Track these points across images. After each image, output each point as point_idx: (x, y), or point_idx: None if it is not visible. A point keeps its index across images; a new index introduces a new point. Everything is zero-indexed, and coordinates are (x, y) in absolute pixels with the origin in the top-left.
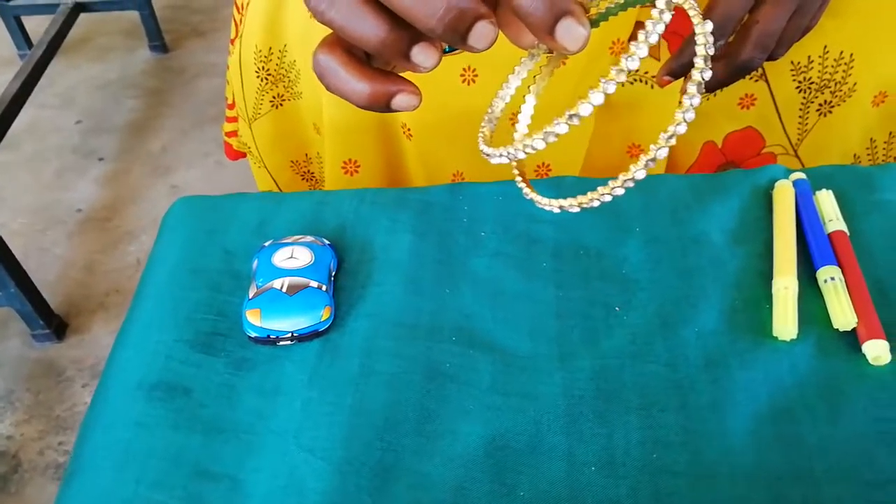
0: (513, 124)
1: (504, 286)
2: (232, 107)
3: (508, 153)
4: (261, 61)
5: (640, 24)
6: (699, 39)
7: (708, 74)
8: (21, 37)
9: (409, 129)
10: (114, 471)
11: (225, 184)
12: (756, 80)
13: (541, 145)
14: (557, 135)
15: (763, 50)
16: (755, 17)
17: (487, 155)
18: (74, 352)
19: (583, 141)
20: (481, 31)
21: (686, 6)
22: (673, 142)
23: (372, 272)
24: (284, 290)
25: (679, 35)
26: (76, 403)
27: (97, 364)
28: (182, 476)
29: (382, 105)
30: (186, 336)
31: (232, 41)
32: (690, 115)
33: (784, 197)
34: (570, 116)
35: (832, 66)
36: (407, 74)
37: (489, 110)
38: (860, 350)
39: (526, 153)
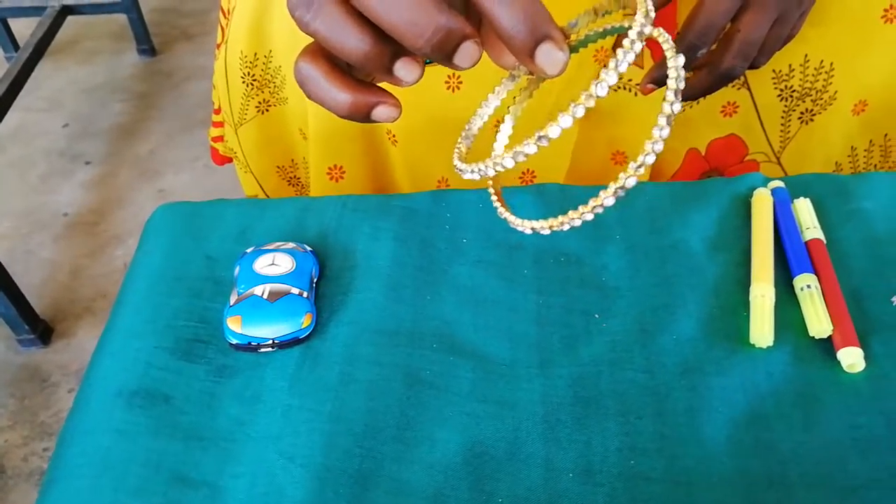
0: (492, 143)
1: (485, 293)
2: (218, 112)
3: (479, 169)
4: (246, 66)
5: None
6: (671, 73)
7: (678, 107)
8: (7, 39)
9: (394, 136)
10: (93, 478)
11: (213, 188)
12: (738, 88)
13: (510, 164)
14: (527, 154)
15: (745, 58)
16: (737, 25)
17: (460, 170)
18: (60, 357)
19: (567, 148)
20: (467, 51)
21: (659, 38)
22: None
23: (354, 279)
24: (265, 296)
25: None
26: (61, 409)
27: (83, 369)
28: (161, 483)
29: (362, 116)
30: (167, 343)
31: (218, 46)
32: (659, 147)
33: (762, 205)
34: (539, 138)
35: (813, 75)
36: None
37: (466, 127)
38: (835, 357)
39: (496, 171)
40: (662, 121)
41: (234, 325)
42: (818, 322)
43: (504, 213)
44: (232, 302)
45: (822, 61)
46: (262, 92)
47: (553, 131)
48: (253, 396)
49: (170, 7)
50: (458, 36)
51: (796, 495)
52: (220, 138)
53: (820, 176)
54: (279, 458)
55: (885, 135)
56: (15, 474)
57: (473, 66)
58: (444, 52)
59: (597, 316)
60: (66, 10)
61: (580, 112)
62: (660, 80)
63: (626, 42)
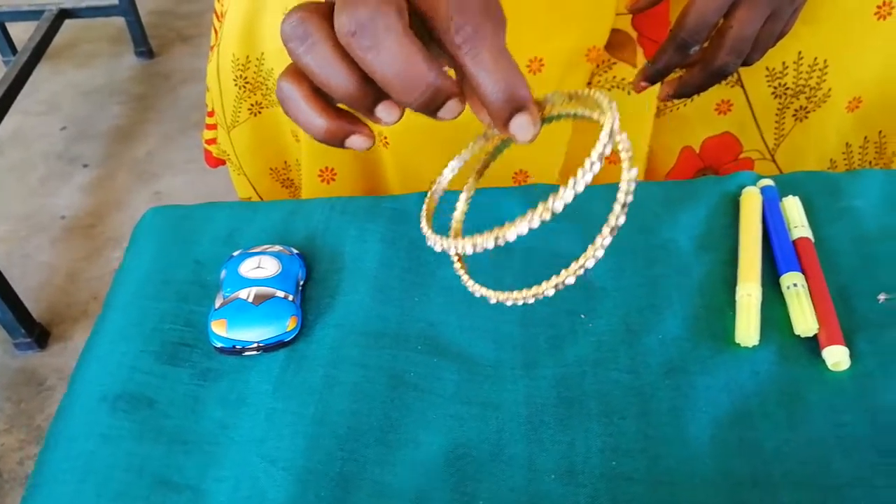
0: (479, 172)
1: (471, 294)
2: (212, 114)
3: (441, 245)
4: (238, 69)
5: (615, 32)
6: (622, 186)
7: (622, 220)
8: (5, 43)
9: (385, 138)
10: (76, 483)
11: (209, 190)
12: (732, 86)
13: (469, 250)
14: (486, 247)
15: (738, 55)
16: (729, 21)
17: (424, 234)
18: (56, 360)
19: (560, 147)
20: (451, 107)
21: (621, 149)
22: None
23: (341, 281)
24: (250, 300)
25: (654, 41)
26: None
27: None
28: (144, 487)
29: (337, 142)
30: (152, 347)
31: (212, 48)
32: (600, 254)
33: (751, 203)
34: (497, 237)
35: (806, 72)
36: None
37: (438, 180)
38: (821, 356)
39: (453, 254)
40: (606, 231)
41: (219, 329)
42: (804, 321)
43: (467, 280)
44: (217, 305)
45: (815, 58)
46: (255, 94)
47: (510, 234)
48: (237, 400)
49: (167, 9)
50: (445, 95)
51: (780, 495)
52: (213, 140)
53: (810, 174)
54: (262, 461)
55: (880, 131)
56: (11, 478)
57: (455, 118)
58: (430, 108)
59: (582, 316)
60: (64, 14)
61: (536, 223)
62: (652, 77)
63: (586, 162)
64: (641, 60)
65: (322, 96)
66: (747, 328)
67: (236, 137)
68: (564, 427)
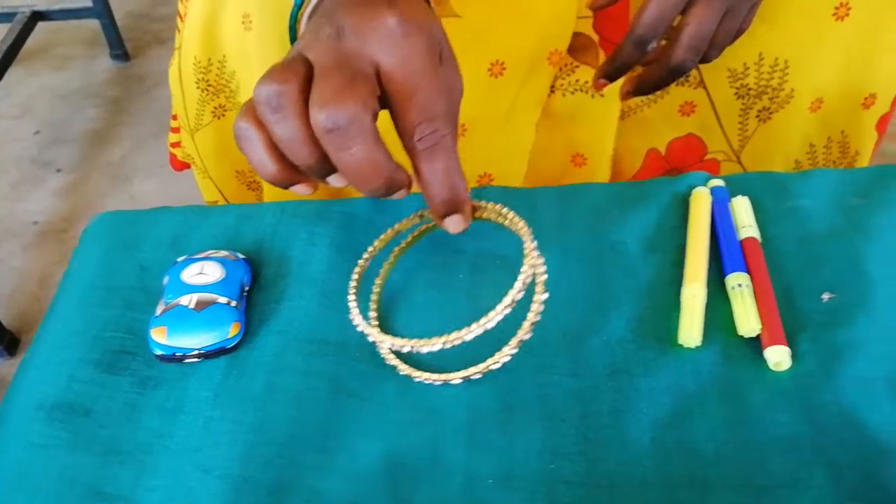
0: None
1: (418, 299)
2: (175, 117)
3: (369, 335)
4: (200, 72)
5: (577, 35)
6: (532, 307)
7: (528, 336)
8: None
9: None
10: (7, 493)
11: (184, 193)
12: (695, 88)
13: (406, 349)
14: (401, 350)
15: (695, 52)
16: (686, 18)
17: (350, 317)
18: None
19: (524, 152)
20: (401, 193)
21: (537, 273)
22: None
23: (287, 287)
24: (192, 306)
25: (615, 44)
26: None
27: None
28: (75, 498)
29: (283, 187)
30: (93, 355)
31: (176, 51)
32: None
33: (700, 204)
34: (413, 347)
35: (768, 73)
36: None
37: (370, 248)
38: (763, 356)
39: (385, 349)
40: (513, 341)
41: (159, 336)
42: (747, 321)
43: (404, 369)
44: (158, 312)
45: (776, 59)
46: (218, 97)
47: (424, 348)
48: (175, 408)
49: (142, 12)
50: (398, 187)
51: (714, 496)
52: (178, 144)
53: (760, 174)
54: (196, 470)
55: (842, 131)
56: None
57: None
58: (381, 196)
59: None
60: (37, 16)
61: (448, 346)
62: (611, 74)
63: (499, 306)
64: (602, 59)
65: (275, 146)
66: (690, 329)
67: (200, 140)
68: (504, 432)
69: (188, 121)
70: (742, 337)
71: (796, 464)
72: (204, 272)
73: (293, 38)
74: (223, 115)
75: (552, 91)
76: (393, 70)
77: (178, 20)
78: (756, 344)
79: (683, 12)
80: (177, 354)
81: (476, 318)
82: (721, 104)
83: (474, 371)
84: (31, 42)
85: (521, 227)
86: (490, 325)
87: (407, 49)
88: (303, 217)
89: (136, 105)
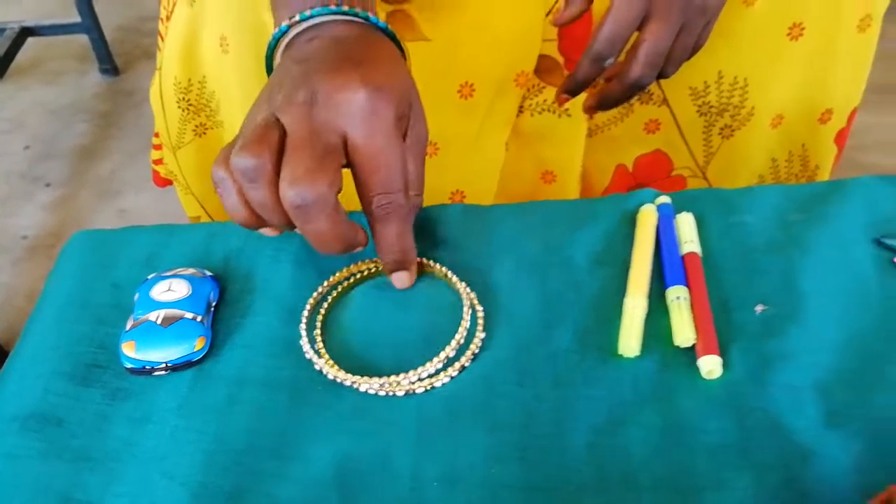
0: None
1: (377, 314)
2: (157, 135)
3: (330, 374)
4: (181, 92)
5: (543, 58)
6: (460, 330)
7: (452, 352)
8: None
9: None
10: None
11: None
12: (659, 106)
13: (347, 382)
14: (353, 386)
15: (652, 67)
16: (642, 35)
17: (305, 349)
18: None
19: (494, 170)
20: (356, 249)
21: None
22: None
23: (252, 302)
24: (159, 322)
25: (574, 60)
26: None
27: None
28: (48, 502)
29: (251, 228)
30: (66, 368)
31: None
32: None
33: (646, 220)
34: (358, 384)
35: (728, 91)
36: None
37: (320, 287)
38: (697, 365)
39: (344, 380)
40: (457, 365)
41: (129, 350)
42: (682, 332)
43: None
44: (128, 327)
45: (735, 77)
46: (199, 116)
47: (372, 386)
48: (143, 418)
49: (131, 26)
50: (355, 246)
51: (645, 497)
52: (160, 161)
53: (707, 190)
54: (161, 477)
55: (803, 145)
56: None
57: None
58: (339, 253)
59: (481, 333)
60: (27, 32)
61: (397, 392)
62: (572, 90)
63: (434, 359)
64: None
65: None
66: (628, 340)
67: (182, 158)
68: (449, 439)
69: (170, 139)
70: (679, 347)
71: (722, 467)
72: (172, 289)
73: (269, 68)
74: (204, 134)
75: (521, 111)
76: (358, 144)
77: (160, 40)
78: (692, 353)
79: (639, 29)
80: (146, 367)
81: (421, 354)
82: (684, 122)
83: (419, 385)
84: (20, 57)
85: (460, 289)
86: (424, 374)
87: (372, 125)
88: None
89: (125, 119)
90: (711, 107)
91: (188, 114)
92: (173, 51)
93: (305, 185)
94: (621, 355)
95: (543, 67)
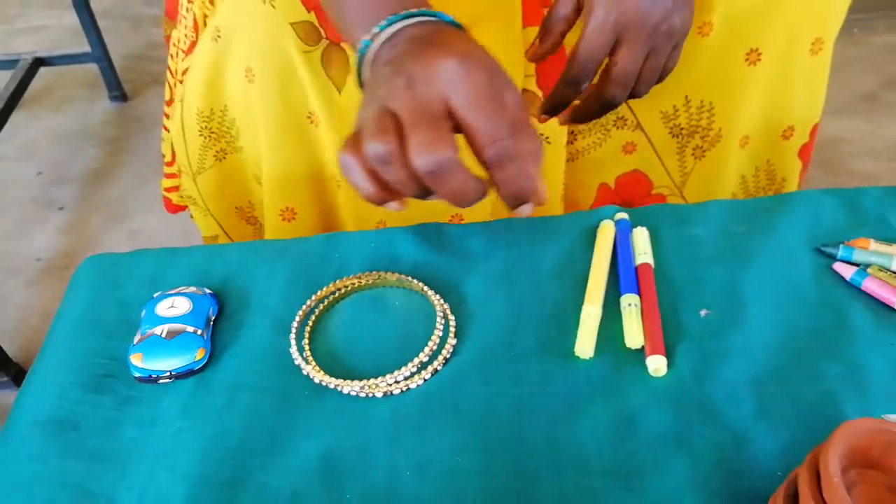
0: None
1: (359, 324)
2: (171, 164)
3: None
4: (203, 121)
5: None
6: (433, 337)
7: (425, 357)
8: None
9: (339, 180)
10: (7, 497)
11: (181, 227)
12: (633, 130)
13: (332, 385)
14: (353, 393)
15: (623, 87)
16: (614, 59)
17: (297, 362)
18: None
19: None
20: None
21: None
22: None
23: (247, 316)
24: (164, 335)
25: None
26: None
27: None
28: (66, 498)
29: (378, 204)
30: (80, 378)
31: (168, 103)
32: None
33: (605, 235)
34: (341, 387)
35: (696, 114)
36: None
37: (309, 301)
38: (645, 364)
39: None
40: (430, 368)
41: (137, 361)
42: (632, 335)
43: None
44: (135, 341)
45: (701, 101)
46: (219, 142)
47: (354, 388)
48: (150, 421)
49: (140, 54)
50: (483, 196)
51: (594, 480)
52: (173, 188)
53: (662, 206)
54: (165, 471)
55: (768, 160)
56: None
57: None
58: (472, 204)
59: (452, 340)
60: (39, 62)
61: (363, 392)
62: (550, 110)
63: (409, 363)
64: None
65: (373, 169)
66: (583, 343)
67: (202, 182)
68: (421, 433)
69: (190, 166)
70: (630, 349)
71: (661, 453)
72: (174, 306)
73: (360, 79)
74: (224, 158)
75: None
76: (460, 105)
77: (170, 76)
78: (641, 354)
79: (611, 54)
80: (152, 376)
81: (397, 359)
82: (658, 143)
83: (396, 388)
84: (33, 87)
85: (435, 301)
86: (400, 378)
87: (467, 85)
88: (264, 255)
89: (134, 144)
90: (682, 129)
91: (209, 140)
92: (196, 84)
93: (432, 153)
94: (578, 357)
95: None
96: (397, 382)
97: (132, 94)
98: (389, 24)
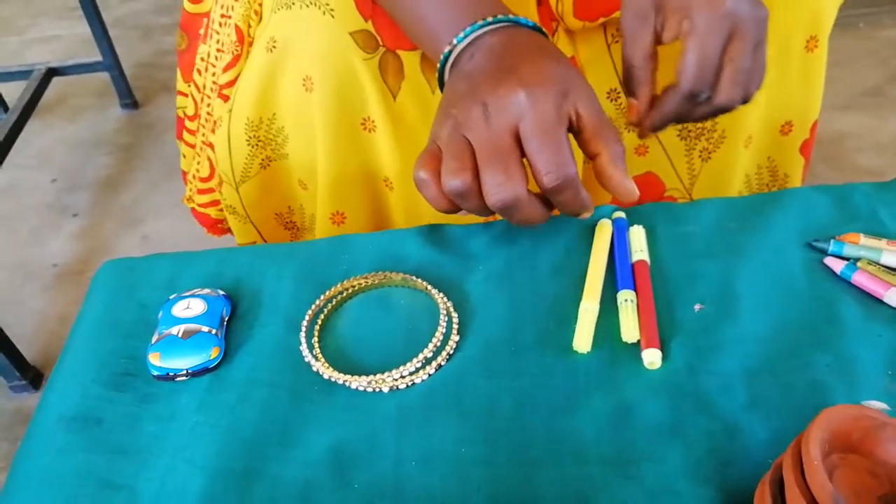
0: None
1: (366, 321)
2: (208, 178)
3: (316, 369)
4: (252, 130)
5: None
6: (437, 334)
7: (430, 353)
8: None
9: (390, 182)
10: (36, 489)
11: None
12: None
13: (340, 381)
14: (359, 386)
15: (744, 87)
16: (728, 56)
17: (309, 360)
18: None
19: None
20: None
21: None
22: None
23: (259, 315)
24: (180, 335)
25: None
26: None
27: None
28: (90, 488)
29: (448, 212)
30: (102, 377)
31: (191, 118)
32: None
33: (603, 233)
34: (350, 382)
35: None
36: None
37: (318, 301)
38: (641, 357)
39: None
40: (434, 363)
41: (155, 360)
42: (628, 330)
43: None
44: (153, 341)
45: None
46: (265, 150)
47: (362, 383)
48: (169, 416)
49: (150, 62)
50: (545, 218)
51: (592, 469)
52: (211, 203)
53: (658, 205)
54: (184, 463)
55: (769, 157)
56: None
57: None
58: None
59: (455, 336)
60: (52, 72)
61: (370, 387)
62: (659, 126)
63: (413, 359)
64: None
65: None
66: (581, 338)
67: (246, 191)
68: (426, 425)
69: (233, 176)
70: (626, 343)
71: (656, 442)
72: (190, 307)
73: (441, 84)
74: (269, 165)
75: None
76: (526, 135)
77: (194, 90)
78: (637, 348)
79: (722, 52)
80: (169, 374)
81: (403, 355)
82: (669, 145)
83: (401, 382)
84: (46, 96)
85: (438, 299)
86: (406, 373)
87: (534, 116)
88: (274, 257)
89: (146, 151)
90: (689, 131)
91: (256, 149)
92: (247, 95)
93: (504, 193)
94: (576, 351)
95: None
96: (403, 377)
97: (143, 102)
98: (467, 35)
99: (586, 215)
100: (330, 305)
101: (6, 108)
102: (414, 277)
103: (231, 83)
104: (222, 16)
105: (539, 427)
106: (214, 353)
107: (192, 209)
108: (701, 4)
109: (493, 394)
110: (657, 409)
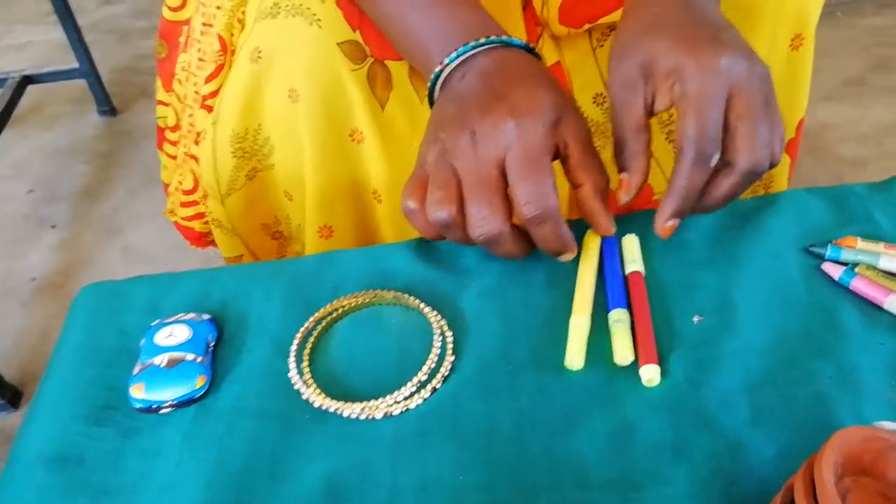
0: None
1: (358, 343)
2: (192, 191)
3: (307, 397)
4: (237, 142)
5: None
6: (431, 356)
7: (424, 377)
8: None
9: (379, 195)
10: None
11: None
12: None
13: (332, 409)
14: (349, 414)
15: (766, 146)
16: (734, 114)
17: (292, 379)
18: None
19: None
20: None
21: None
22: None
23: (246, 339)
24: (164, 365)
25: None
26: None
27: None
28: None
29: (434, 238)
30: (82, 410)
31: (172, 129)
32: None
33: (591, 244)
34: (341, 410)
35: None
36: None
37: (307, 323)
38: (638, 374)
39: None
40: (428, 387)
41: (137, 392)
42: (621, 351)
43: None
44: (135, 371)
45: None
46: (251, 161)
47: (354, 411)
48: (153, 452)
49: (127, 67)
50: (527, 252)
51: (594, 493)
52: (195, 217)
53: (650, 212)
54: (170, 502)
55: None
56: None
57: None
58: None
59: (450, 356)
60: (27, 80)
61: (363, 414)
62: (680, 211)
63: (407, 383)
64: None
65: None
66: (573, 354)
67: (231, 203)
68: (422, 452)
69: (219, 188)
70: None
71: (658, 463)
72: (173, 334)
73: (431, 100)
74: (255, 177)
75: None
76: (511, 165)
77: (175, 101)
78: (635, 364)
79: (728, 112)
80: (153, 407)
81: (397, 378)
82: (657, 149)
83: (395, 408)
84: (21, 104)
85: (431, 317)
86: (399, 398)
87: (520, 147)
88: (260, 276)
89: (125, 158)
90: None
91: (242, 161)
92: (232, 107)
93: (487, 227)
94: (568, 368)
95: None
96: (397, 403)
97: (121, 108)
98: (459, 55)
99: (568, 257)
100: (320, 327)
101: None
102: (406, 295)
103: (214, 94)
104: (204, 24)
105: (538, 450)
106: (200, 381)
107: (175, 222)
108: (692, 66)
109: (490, 416)
110: (658, 427)
